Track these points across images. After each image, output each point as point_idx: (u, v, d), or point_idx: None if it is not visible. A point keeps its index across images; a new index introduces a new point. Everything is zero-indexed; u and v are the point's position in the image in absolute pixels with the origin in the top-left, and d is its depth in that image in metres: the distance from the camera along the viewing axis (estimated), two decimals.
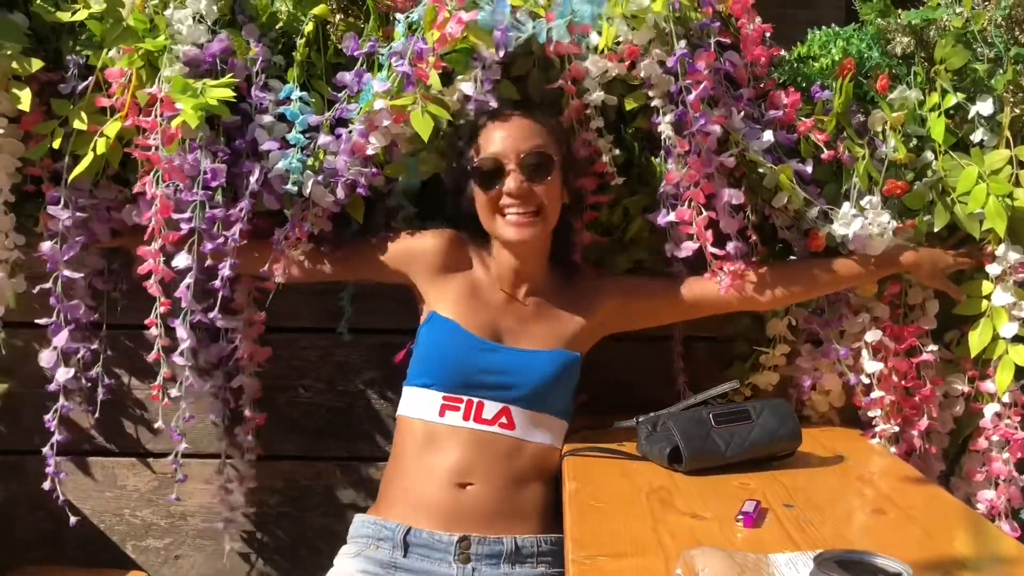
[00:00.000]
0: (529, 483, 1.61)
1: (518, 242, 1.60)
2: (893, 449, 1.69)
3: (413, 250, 1.69)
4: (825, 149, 1.66)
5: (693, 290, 1.69)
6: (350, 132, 1.58)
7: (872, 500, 1.42)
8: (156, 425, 1.72)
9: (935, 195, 1.68)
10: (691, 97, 1.54)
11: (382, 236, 1.72)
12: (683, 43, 1.54)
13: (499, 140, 1.57)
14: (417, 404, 1.63)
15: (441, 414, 1.60)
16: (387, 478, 1.67)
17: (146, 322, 1.65)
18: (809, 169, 1.65)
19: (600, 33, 1.61)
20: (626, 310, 1.71)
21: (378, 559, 1.56)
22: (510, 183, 1.56)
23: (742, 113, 1.61)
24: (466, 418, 1.59)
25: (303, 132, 1.61)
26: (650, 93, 1.60)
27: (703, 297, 1.69)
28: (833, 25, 1.80)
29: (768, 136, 1.61)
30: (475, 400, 1.60)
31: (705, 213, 1.59)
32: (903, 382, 1.69)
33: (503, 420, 1.60)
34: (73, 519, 1.80)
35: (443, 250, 1.68)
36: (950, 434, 1.78)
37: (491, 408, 1.60)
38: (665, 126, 1.58)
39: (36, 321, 1.73)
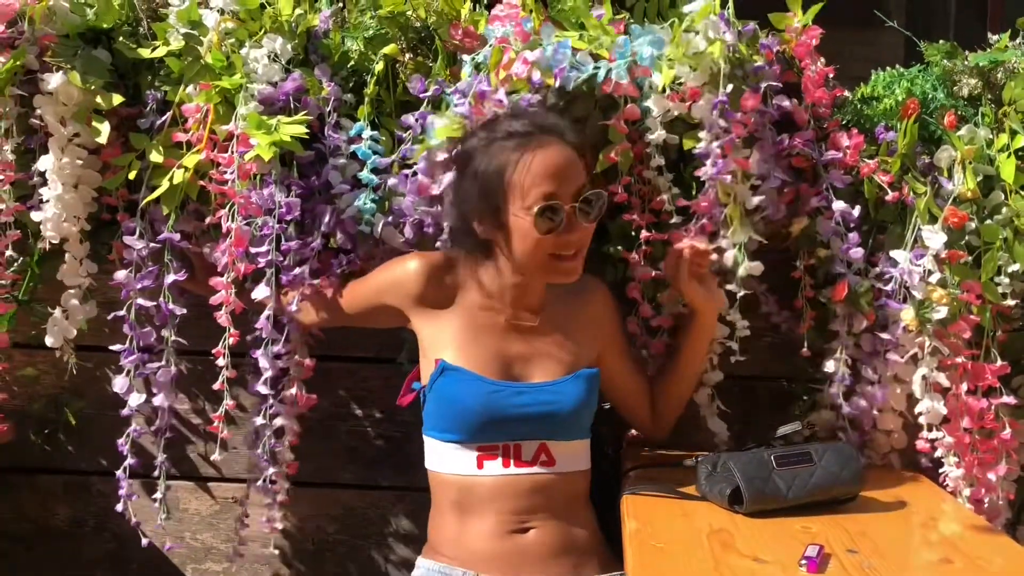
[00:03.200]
0: (578, 514, 1.60)
1: (567, 281, 1.55)
2: (967, 492, 1.66)
3: (395, 275, 1.61)
4: (890, 191, 1.65)
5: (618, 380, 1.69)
6: (415, 173, 1.62)
7: (937, 547, 1.40)
8: (213, 457, 1.76)
9: (1010, 233, 1.66)
10: (717, 144, 1.54)
11: (361, 278, 1.68)
12: (730, 87, 1.54)
13: (551, 178, 1.46)
14: (449, 460, 1.57)
15: (480, 466, 1.54)
16: (434, 526, 1.63)
17: (214, 352, 1.69)
18: (855, 212, 1.64)
19: (660, 72, 1.63)
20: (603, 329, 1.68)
21: None
22: (570, 230, 1.48)
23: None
24: (506, 464, 1.54)
25: (373, 171, 1.65)
26: (700, 135, 1.61)
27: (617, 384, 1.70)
28: (897, 66, 1.80)
29: (775, 182, 1.61)
30: (511, 444, 1.55)
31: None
32: (977, 423, 1.64)
33: (543, 458, 1.56)
34: (145, 540, 1.84)
35: (426, 278, 1.58)
36: (1016, 481, 1.74)
37: (528, 449, 1.55)
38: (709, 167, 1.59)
39: (110, 347, 1.78)
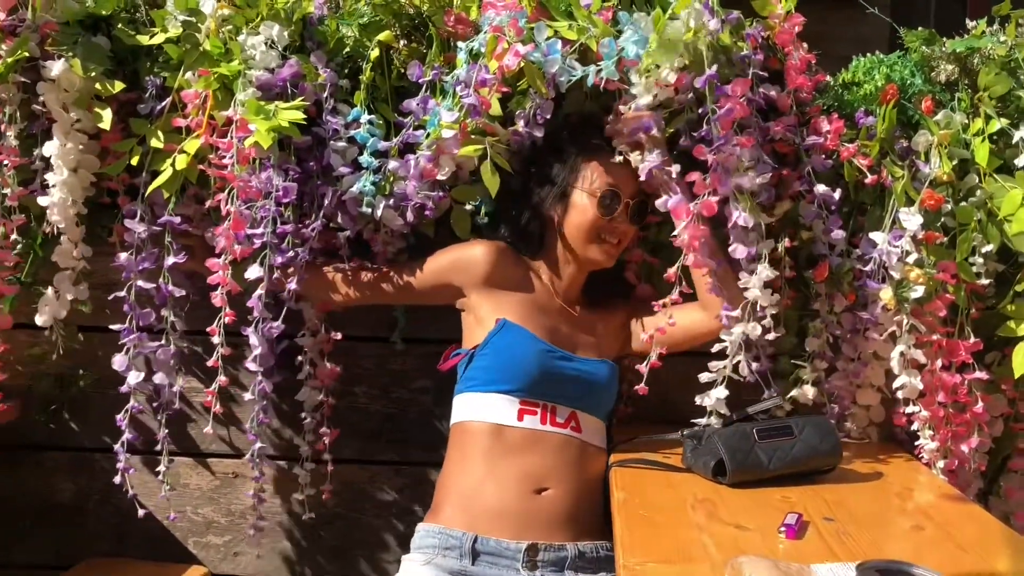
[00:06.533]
0: (592, 487, 1.69)
1: (603, 265, 1.75)
2: (942, 464, 1.72)
3: (463, 260, 1.75)
4: (869, 174, 1.71)
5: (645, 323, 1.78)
6: (418, 158, 1.66)
7: (910, 515, 1.46)
8: (205, 430, 1.82)
9: (983, 215, 1.72)
10: (716, 116, 1.57)
11: (427, 256, 1.79)
12: (714, 67, 1.58)
13: (616, 177, 1.70)
14: (491, 409, 1.69)
15: (520, 418, 1.67)
16: (447, 485, 1.72)
17: (208, 330, 1.74)
18: (836, 195, 1.70)
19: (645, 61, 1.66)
20: (626, 332, 1.82)
21: (447, 567, 1.62)
22: (621, 220, 1.72)
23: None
24: (543, 422, 1.68)
25: (372, 155, 1.69)
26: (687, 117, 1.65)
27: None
28: (877, 52, 1.85)
29: (766, 177, 1.63)
30: (550, 404, 1.69)
31: (706, 227, 1.63)
32: (951, 397, 1.70)
33: (573, 424, 1.70)
34: (141, 511, 1.90)
35: (495, 261, 1.74)
36: (988, 453, 1.81)
37: (562, 413, 1.70)
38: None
39: (110, 327, 1.83)
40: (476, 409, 1.71)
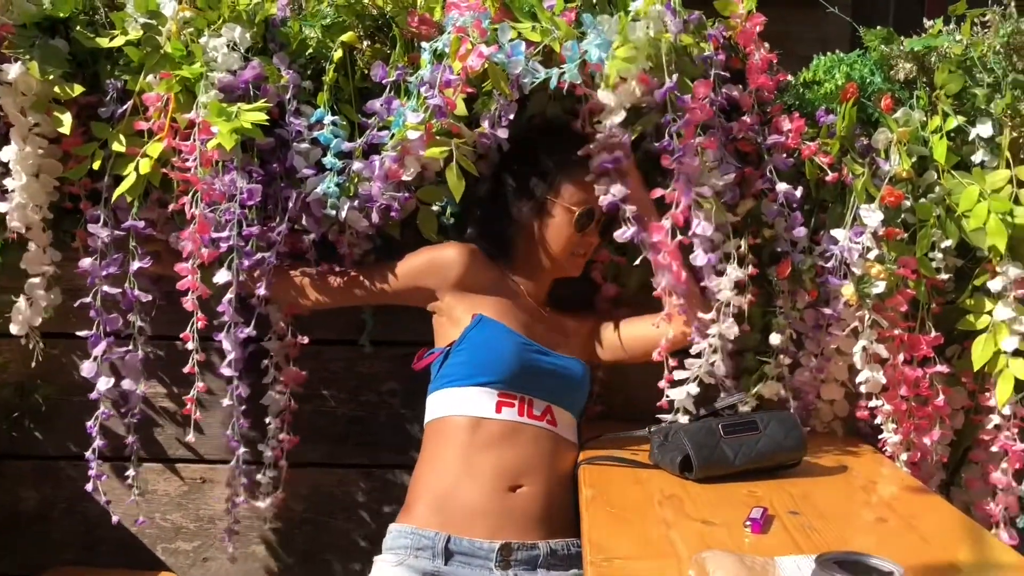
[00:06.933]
0: (564, 483, 1.69)
1: (571, 275, 1.81)
2: (905, 456, 1.75)
3: (435, 262, 1.75)
4: (830, 172, 1.73)
5: (626, 330, 1.80)
6: (383, 159, 1.66)
7: (874, 508, 1.48)
8: (188, 439, 1.81)
9: (942, 211, 1.75)
10: (676, 126, 1.58)
11: (399, 258, 1.78)
12: (676, 76, 1.59)
13: (591, 193, 1.70)
14: (469, 402, 1.69)
15: (498, 410, 1.68)
16: (421, 483, 1.70)
17: (182, 336, 1.73)
18: (798, 193, 1.72)
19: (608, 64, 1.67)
20: (594, 340, 1.84)
21: (420, 568, 1.61)
22: (594, 236, 1.78)
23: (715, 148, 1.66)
24: (520, 414, 1.69)
25: (336, 156, 1.69)
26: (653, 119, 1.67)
27: (632, 338, 1.79)
28: (838, 51, 1.88)
29: (730, 177, 1.66)
30: (527, 397, 1.70)
31: (680, 237, 1.65)
32: (913, 391, 1.73)
33: (548, 417, 1.71)
34: (115, 517, 1.88)
35: (468, 263, 1.75)
36: (950, 445, 1.84)
37: (539, 406, 1.71)
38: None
39: (76, 333, 1.80)
40: (453, 404, 1.70)
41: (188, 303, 1.70)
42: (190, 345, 1.73)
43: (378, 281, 1.78)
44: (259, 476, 1.91)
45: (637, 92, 1.61)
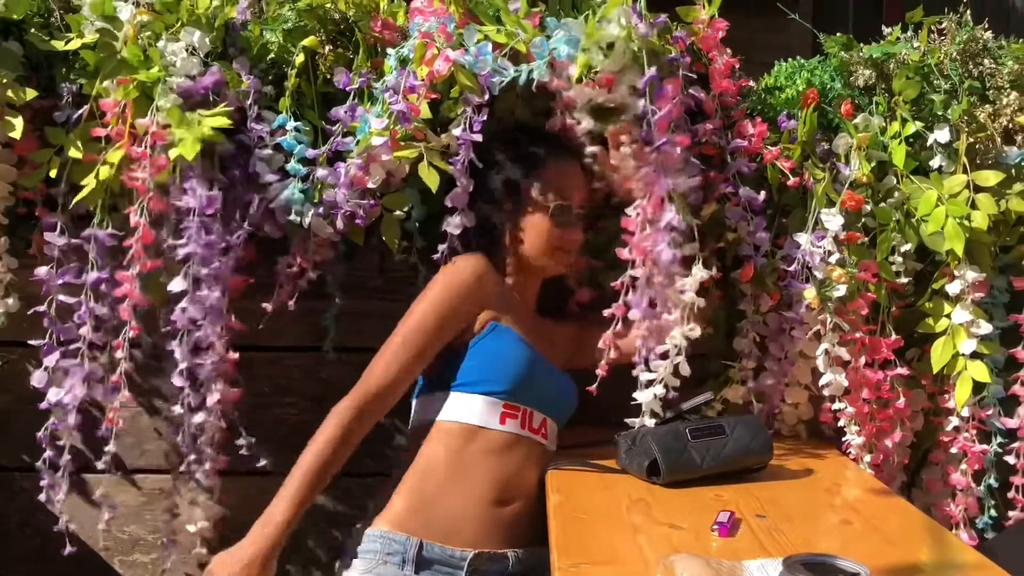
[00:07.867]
0: (542, 493, 1.66)
1: (557, 272, 1.79)
2: (868, 458, 1.76)
3: (464, 287, 1.67)
4: (791, 176, 1.75)
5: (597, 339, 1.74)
6: (348, 166, 1.64)
7: (839, 510, 1.49)
8: (107, 448, 1.76)
9: (901, 216, 1.77)
10: (655, 117, 1.57)
11: (435, 301, 1.65)
12: (653, 68, 1.59)
13: (572, 187, 1.71)
14: (473, 411, 1.65)
15: (502, 421, 1.65)
16: (406, 484, 1.64)
17: (114, 344, 1.70)
18: (761, 197, 1.73)
19: (576, 62, 1.67)
20: (574, 346, 1.82)
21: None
22: (575, 231, 1.74)
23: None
24: (523, 426, 1.67)
25: (299, 162, 1.67)
26: (622, 117, 1.66)
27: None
28: (799, 57, 1.90)
29: (695, 179, 1.64)
30: (529, 410, 1.68)
31: (649, 230, 1.62)
32: (874, 393, 1.74)
33: (543, 431, 1.70)
34: (71, 525, 1.84)
35: (487, 269, 1.69)
36: (911, 447, 1.86)
37: (537, 419, 1.70)
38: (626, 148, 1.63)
39: (29, 342, 1.76)
40: (455, 409, 1.66)
41: (124, 311, 1.67)
42: (119, 354, 1.70)
43: (421, 343, 1.64)
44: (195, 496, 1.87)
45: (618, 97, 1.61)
